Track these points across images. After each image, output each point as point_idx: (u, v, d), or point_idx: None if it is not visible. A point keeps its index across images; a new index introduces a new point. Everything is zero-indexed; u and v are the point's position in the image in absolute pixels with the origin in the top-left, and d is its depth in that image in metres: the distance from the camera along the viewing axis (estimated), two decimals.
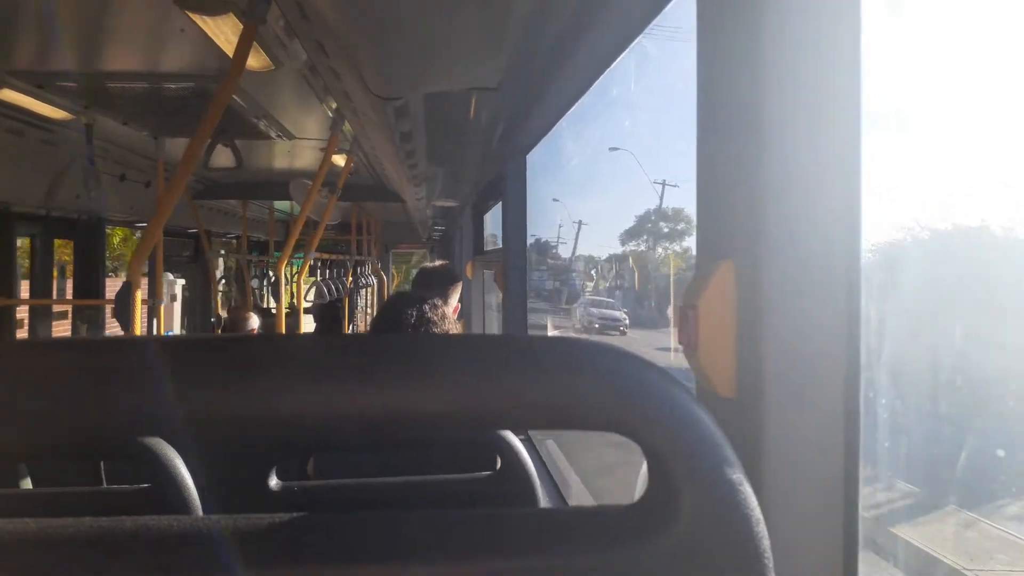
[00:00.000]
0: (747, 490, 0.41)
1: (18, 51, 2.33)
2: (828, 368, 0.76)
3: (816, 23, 0.74)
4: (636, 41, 1.49)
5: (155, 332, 4.06)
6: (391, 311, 1.94)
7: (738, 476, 0.41)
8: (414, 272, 3.42)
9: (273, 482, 1.08)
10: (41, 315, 4.36)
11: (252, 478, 1.07)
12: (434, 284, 2.65)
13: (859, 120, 0.75)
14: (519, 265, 2.86)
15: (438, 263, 3.00)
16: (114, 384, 0.38)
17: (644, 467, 0.44)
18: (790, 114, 0.74)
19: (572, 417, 0.40)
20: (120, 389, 0.38)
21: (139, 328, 2.10)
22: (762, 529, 0.41)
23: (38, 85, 2.61)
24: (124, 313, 2.01)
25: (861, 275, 0.76)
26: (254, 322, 4.97)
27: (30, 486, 1.69)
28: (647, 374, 0.41)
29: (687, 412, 0.41)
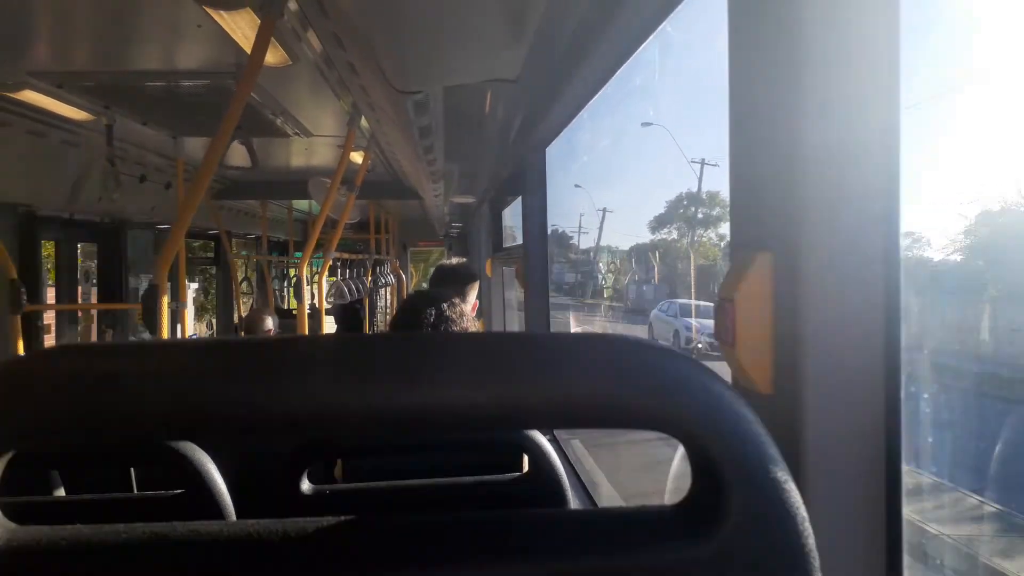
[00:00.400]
0: (793, 488, 0.40)
1: (37, 51, 2.34)
2: (868, 364, 0.74)
3: (854, 4, 0.71)
4: (659, 29, 1.45)
5: (180, 336, 4.08)
6: (410, 310, 1.93)
7: (784, 474, 0.40)
8: (432, 270, 3.42)
9: (305, 486, 1.07)
10: (67, 320, 4.41)
11: (284, 482, 1.07)
12: (452, 282, 2.63)
13: (898, 107, 0.72)
14: (540, 261, 2.83)
15: (455, 260, 2.99)
16: (144, 388, 0.38)
17: (674, 466, 0.42)
18: (827, 100, 0.72)
19: (617, 415, 0.39)
20: (150, 392, 0.38)
21: (166, 331, 2.10)
22: (808, 528, 0.40)
23: (58, 85, 2.62)
24: (151, 317, 2.01)
25: (901, 267, 0.73)
26: (270, 323, 4.97)
27: (63, 494, 1.70)
28: (692, 371, 0.40)
29: (733, 410, 0.40)
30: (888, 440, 0.74)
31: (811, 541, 0.40)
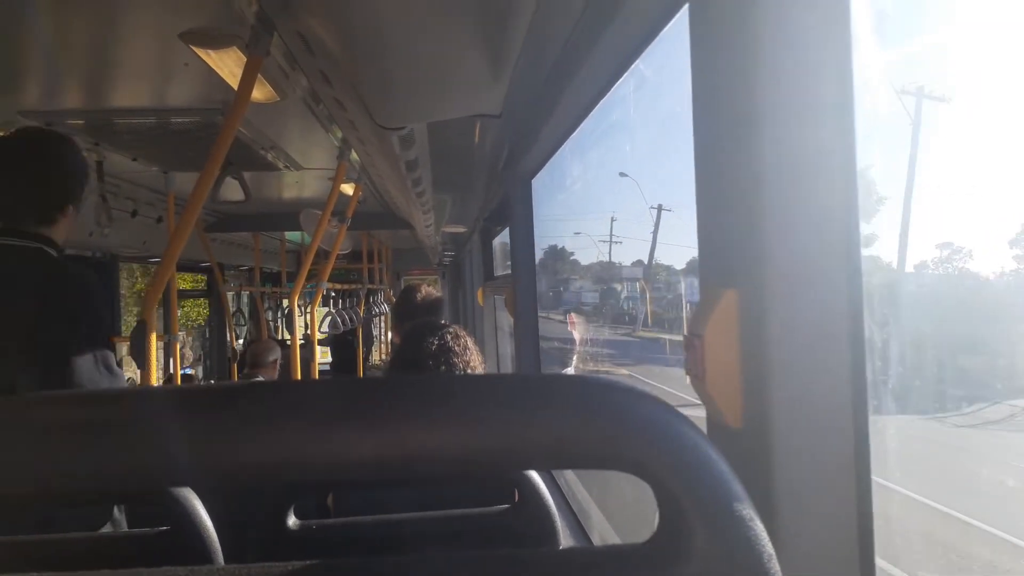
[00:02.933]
0: (758, 526, 0.40)
1: (26, 91, 2.36)
2: (835, 395, 0.75)
3: (814, 51, 0.73)
4: (635, 64, 1.49)
5: (172, 370, 4.07)
6: (414, 342, 1.89)
7: (748, 512, 0.40)
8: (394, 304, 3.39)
9: (292, 521, 1.07)
10: None
11: (271, 518, 1.06)
12: (412, 316, 2.63)
13: (854, 144, 0.74)
14: (529, 291, 2.85)
15: (422, 289, 2.98)
16: (140, 437, 0.38)
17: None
18: (787, 140, 0.74)
19: (580, 457, 0.40)
20: (146, 442, 0.38)
21: (155, 366, 2.10)
22: (774, 564, 0.40)
23: (47, 123, 2.64)
24: (140, 351, 2.01)
25: (863, 299, 0.74)
26: (275, 353, 4.93)
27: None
28: (655, 412, 0.41)
29: (696, 449, 0.41)
30: (857, 468, 0.75)
31: None
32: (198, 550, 0.99)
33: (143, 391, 0.44)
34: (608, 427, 0.39)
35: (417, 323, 2.04)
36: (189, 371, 7.06)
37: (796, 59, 0.73)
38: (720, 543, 0.40)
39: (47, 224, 1.96)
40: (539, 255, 3.02)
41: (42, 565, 0.43)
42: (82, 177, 2.07)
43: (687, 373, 0.83)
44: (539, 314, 2.95)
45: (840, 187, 0.73)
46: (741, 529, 0.40)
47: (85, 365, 1.87)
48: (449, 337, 1.86)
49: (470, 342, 1.90)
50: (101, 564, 0.44)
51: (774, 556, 0.41)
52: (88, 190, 2.12)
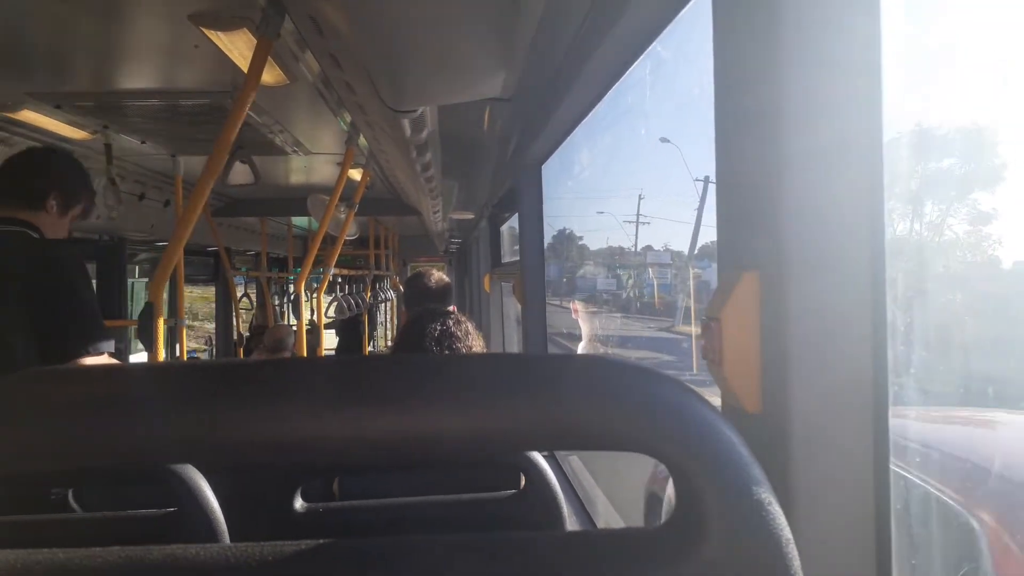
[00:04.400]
0: (776, 510, 0.40)
1: (36, 72, 2.36)
2: (855, 381, 0.74)
3: (836, 29, 0.72)
4: (648, 49, 1.47)
5: (178, 353, 4.08)
6: (416, 327, 1.91)
7: (767, 496, 0.40)
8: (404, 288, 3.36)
9: (298, 504, 1.07)
10: None
11: (277, 500, 1.06)
12: (426, 300, 2.64)
13: (880, 125, 0.73)
14: (538, 277, 2.84)
15: (435, 274, 2.99)
16: (144, 413, 0.37)
17: (670, 487, 0.42)
18: (811, 120, 0.72)
19: (598, 439, 0.40)
20: (150, 418, 0.37)
21: (162, 349, 2.11)
22: (792, 550, 0.40)
23: (56, 105, 2.64)
24: (147, 334, 2.02)
25: (886, 283, 0.73)
26: (288, 339, 4.94)
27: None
28: (673, 393, 0.40)
29: (714, 432, 0.40)
30: (876, 455, 0.74)
31: (795, 563, 0.40)
32: (205, 531, 0.99)
33: (149, 367, 0.43)
34: (626, 408, 0.39)
35: (420, 310, 2.06)
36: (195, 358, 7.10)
37: (822, 40, 0.72)
38: (738, 527, 0.40)
39: (30, 210, 2.07)
40: (549, 240, 3.01)
41: (50, 544, 0.42)
42: (60, 170, 2.16)
43: (703, 357, 0.82)
44: (556, 303, 2.95)
45: (865, 171, 0.72)
46: (759, 513, 0.40)
47: (70, 346, 1.89)
48: (451, 322, 1.89)
49: (471, 327, 1.93)
50: (109, 544, 0.43)
51: (792, 540, 0.40)
52: (81, 191, 2.23)
